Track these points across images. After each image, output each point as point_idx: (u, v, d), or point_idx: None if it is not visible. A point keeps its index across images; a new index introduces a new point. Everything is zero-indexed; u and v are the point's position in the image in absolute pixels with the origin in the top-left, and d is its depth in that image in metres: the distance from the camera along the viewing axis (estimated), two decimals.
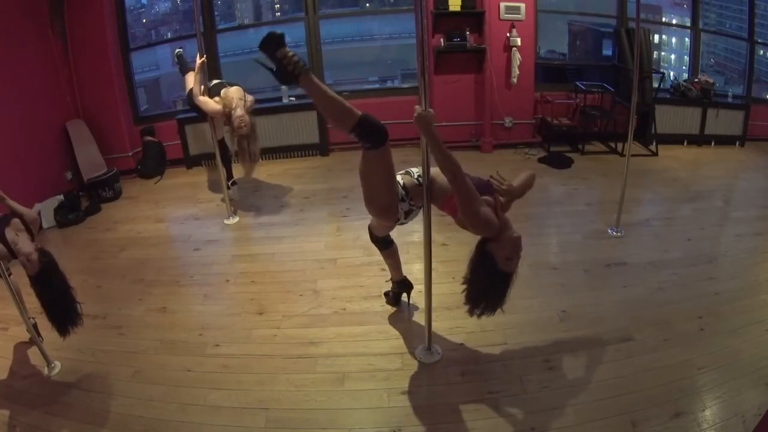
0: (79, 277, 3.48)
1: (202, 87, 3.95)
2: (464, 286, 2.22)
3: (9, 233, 2.43)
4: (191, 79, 4.11)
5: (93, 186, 4.72)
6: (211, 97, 3.95)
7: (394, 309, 2.95)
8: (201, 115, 4.17)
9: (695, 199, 4.33)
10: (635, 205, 4.17)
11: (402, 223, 2.47)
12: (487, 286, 2.17)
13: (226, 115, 3.88)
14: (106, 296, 3.26)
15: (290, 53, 2.01)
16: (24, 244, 2.39)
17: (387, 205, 2.30)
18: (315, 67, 5.57)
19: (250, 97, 4.05)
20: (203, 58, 3.90)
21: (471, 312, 2.22)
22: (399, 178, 2.39)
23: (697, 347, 2.55)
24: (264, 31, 2.29)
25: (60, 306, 2.43)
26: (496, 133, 5.56)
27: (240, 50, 6.46)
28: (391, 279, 2.92)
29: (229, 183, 4.38)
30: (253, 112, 4.09)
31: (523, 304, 2.95)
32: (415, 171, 2.39)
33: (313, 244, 3.72)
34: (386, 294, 2.99)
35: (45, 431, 2.23)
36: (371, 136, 2.08)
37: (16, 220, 2.49)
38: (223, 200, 4.27)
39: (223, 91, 3.96)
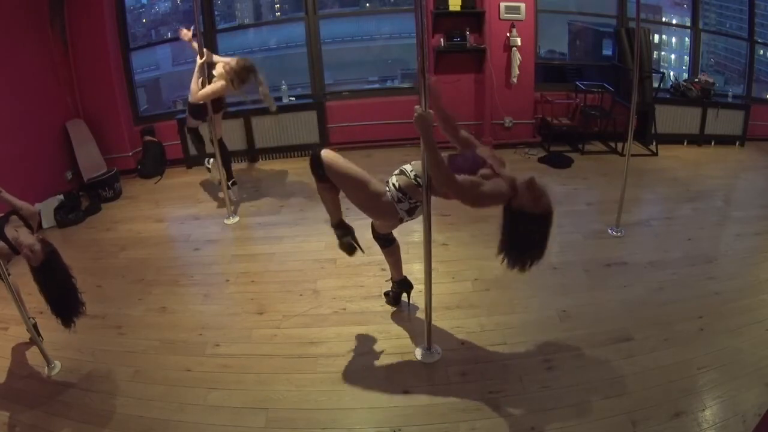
0: (79, 277, 3.43)
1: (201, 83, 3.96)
2: (502, 254, 2.20)
3: (9, 231, 2.43)
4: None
5: (93, 186, 4.72)
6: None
7: (394, 309, 2.95)
8: (203, 117, 4.15)
9: (695, 199, 4.33)
10: (635, 205, 4.17)
11: (409, 220, 2.47)
12: (532, 239, 2.17)
13: (230, 81, 3.92)
14: (106, 296, 3.26)
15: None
16: (25, 236, 2.40)
17: (382, 213, 2.42)
18: (315, 67, 5.56)
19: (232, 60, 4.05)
20: (203, 59, 3.90)
21: (522, 269, 2.20)
22: (394, 179, 2.40)
23: (697, 347, 2.55)
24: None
25: (64, 297, 2.43)
26: (496, 133, 5.56)
27: (240, 50, 6.46)
28: (391, 278, 2.92)
29: (229, 183, 4.38)
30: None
31: (523, 304, 2.96)
32: (410, 168, 2.39)
33: (313, 244, 3.72)
34: (386, 294, 2.99)
35: (45, 431, 2.23)
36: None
37: (14, 218, 2.49)
38: (223, 199, 4.26)
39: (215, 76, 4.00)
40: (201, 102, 3.95)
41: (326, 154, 2.33)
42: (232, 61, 4.03)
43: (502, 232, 2.22)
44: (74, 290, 2.47)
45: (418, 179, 2.31)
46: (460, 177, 2.11)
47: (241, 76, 3.96)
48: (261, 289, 3.23)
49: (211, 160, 4.46)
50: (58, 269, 2.42)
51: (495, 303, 2.96)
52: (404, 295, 2.94)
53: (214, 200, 4.58)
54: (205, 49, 3.94)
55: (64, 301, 2.44)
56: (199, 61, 3.89)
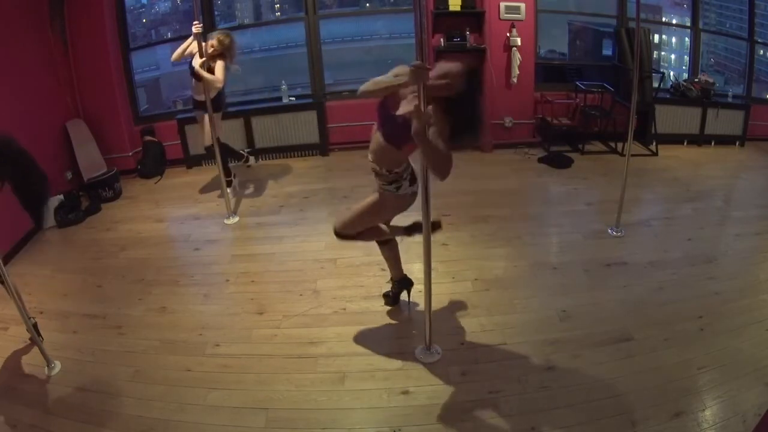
0: (79, 277, 3.49)
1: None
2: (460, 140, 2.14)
3: None
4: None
5: (93, 186, 4.72)
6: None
7: (394, 309, 2.95)
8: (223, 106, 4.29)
9: (695, 199, 4.33)
10: (635, 205, 4.17)
11: (417, 187, 2.45)
12: (472, 103, 2.10)
13: (226, 57, 4.10)
14: (106, 296, 3.26)
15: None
16: None
17: (399, 206, 2.53)
18: (315, 67, 5.56)
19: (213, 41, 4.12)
20: (203, 59, 3.90)
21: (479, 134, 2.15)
22: (376, 184, 2.47)
23: (697, 347, 2.55)
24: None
25: (27, 177, 2.40)
26: (495, 133, 5.56)
27: (240, 50, 6.46)
28: (391, 278, 2.92)
29: (231, 178, 4.48)
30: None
31: (523, 304, 2.96)
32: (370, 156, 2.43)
33: (313, 244, 3.72)
34: (386, 295, 2.98)
35: (45, 431, 2.23)
36: None
37: None
38: (222, 197, 4.26)
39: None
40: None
41: (336, 226, 2.60)
42: (214, 42, 4.09)
43: (451, 124, 2.09)
44: (35, 166, 2.41)
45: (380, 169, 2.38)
46: (441, 145, 2.03)
47: (231, 48, 4.14)
48: (261, 289, 3.23)
49: (235, 180, 4.66)
50: (10, 146, 2.35)
51: (495, 303, 2.96)
52: (405, 293, 2.93)
53: (214, 200, 4.58)
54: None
55: (29, 181, 2.39)
56: (199, 61, 3.89)
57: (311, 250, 3.63)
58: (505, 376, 2.42)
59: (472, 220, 3.92)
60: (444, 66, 2.11)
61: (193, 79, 4.14)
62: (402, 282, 2.90)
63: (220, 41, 4.08)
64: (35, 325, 2.69)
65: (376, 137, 2.34)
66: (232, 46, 4.13)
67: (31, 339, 2.69)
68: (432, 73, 2.07)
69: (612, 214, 3.77)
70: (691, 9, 5.80)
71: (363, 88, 2.18)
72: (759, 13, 5.56)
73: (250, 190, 4.78)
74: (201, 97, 4.09)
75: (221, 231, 4.06)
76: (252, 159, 4.83)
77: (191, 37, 3.99)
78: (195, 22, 3.81)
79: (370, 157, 2.41)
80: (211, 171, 5.07)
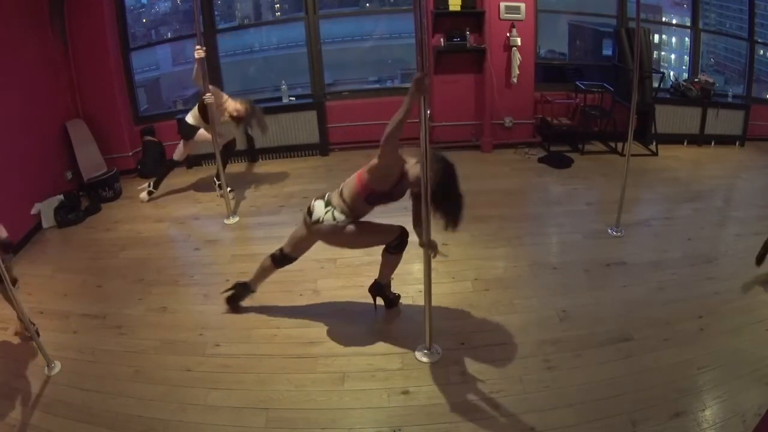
0: (79, 277, 3.50)
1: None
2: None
3: None
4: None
5: (93, 186, 4.72)
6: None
7: (394, 309, 2.95)
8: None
9: (695, 199, 4.33)
10: (635, 205, 4.17)
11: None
12: (454, 195, 2.46)
13: (247, 124, 4.30)
14: (106, 296, 3.26)
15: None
16: None
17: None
18: (315, 67, 5.56)
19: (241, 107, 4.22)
20: (205, 49, 3.89)
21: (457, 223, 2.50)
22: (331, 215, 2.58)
23: (697, 347, 2.55)
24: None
25: None
26: (496, 133, 5.56)
27: (240, 50, 6.47)
28: (387, 281, 2.91)
29: (151, 189, 4.65)
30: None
31: (523, 303, 2.96)
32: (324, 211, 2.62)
33: None
34: (386, 300, 2.98)
35: (45, 431, 2.23)
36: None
37: None
38: (222, 196, 4.26)
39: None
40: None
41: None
42: (239, 107, 4.19)
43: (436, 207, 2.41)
44: None
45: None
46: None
47: (257, 117, 4.25)
48: (261, 289, 3.21)
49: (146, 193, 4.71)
50: None
51: (495, 303, 2.96)
52: (378, 298, 2.94)
53: (214, 200, 4.58)
54: (211, 87, 3.98)
55: None
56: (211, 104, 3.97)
57: (311, 250, 3.61)
58: (505, 376, 2.42)
59: (472, 220, 3.91)
60: (416, 170, 2.39)
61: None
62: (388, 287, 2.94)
63: (247, 110, 4.18)
64: (35, 325, 2.68)
65: (363, 204, 2.55)
66: (259, 116, 4.24)
67: (30, 338, 2.68)
68: (410, 177, 2.43)
69: (612, 214, 3.77)
70: (691, 9, 5.80)
71: (387, 132, 2.34)
72: (759, 13, 5.57)
73: (250, 190, 4.78)
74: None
75: (221, 231, 4.06)
76: (145, 195, 4.68)
77: (197, 63, 3.88)
78: (197, 47, 3.78)
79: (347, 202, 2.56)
80: (212, 171, 5.07)
